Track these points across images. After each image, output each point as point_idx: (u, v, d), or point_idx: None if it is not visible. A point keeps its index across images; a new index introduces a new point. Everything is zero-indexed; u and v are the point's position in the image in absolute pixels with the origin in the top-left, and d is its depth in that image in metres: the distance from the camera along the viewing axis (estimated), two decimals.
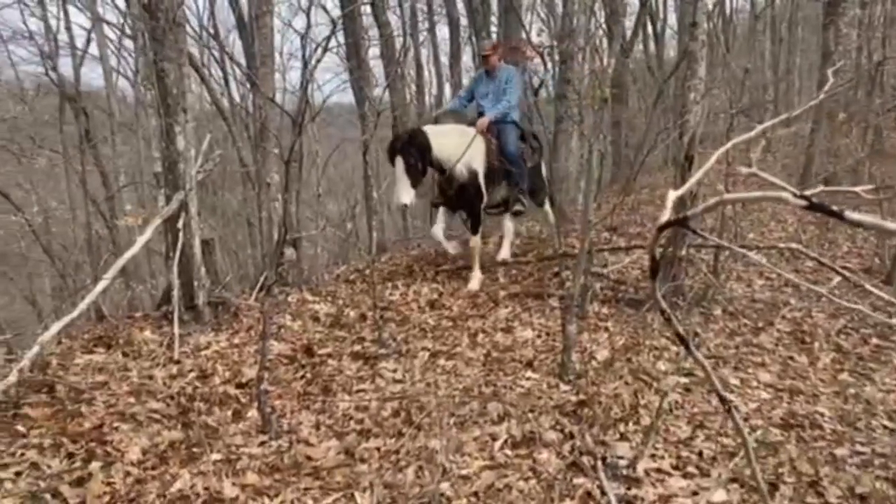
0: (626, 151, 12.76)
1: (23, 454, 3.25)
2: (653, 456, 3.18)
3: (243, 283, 7.76)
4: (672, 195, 1.54)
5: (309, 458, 3.17)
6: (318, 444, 3.31)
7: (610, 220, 7.34)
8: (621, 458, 3.14)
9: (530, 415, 3.50)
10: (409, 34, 13.70)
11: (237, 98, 15.59)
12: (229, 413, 3.71)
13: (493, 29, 13.18)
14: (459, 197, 6.15)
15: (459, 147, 5.98)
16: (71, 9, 14.20)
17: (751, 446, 2.09)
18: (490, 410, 3.58)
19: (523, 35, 10.82)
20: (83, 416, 3.55)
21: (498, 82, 6.55)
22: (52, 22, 13.94)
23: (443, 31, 16.52)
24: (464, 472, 3.05)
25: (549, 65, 11.76)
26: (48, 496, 2.87)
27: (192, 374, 4.19)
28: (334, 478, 3.02)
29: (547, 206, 7.24)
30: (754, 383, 4.16)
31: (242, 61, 12.78)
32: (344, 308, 5.63)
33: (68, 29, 13.87)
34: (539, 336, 4.82)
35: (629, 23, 14.97)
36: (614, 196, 9.72)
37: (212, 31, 14.77)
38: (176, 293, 4.84)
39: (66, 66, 13.49)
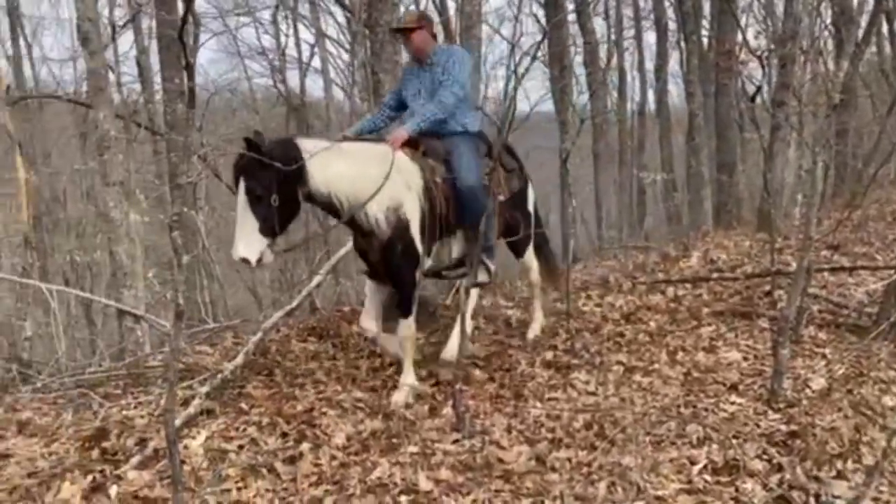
0: (852, 163, 11.62)
1: (244, 430, 3.60)
2: (876, 499, 2.87)
3: (439, 284, 8.02)
4: None
5: (500, 460, 3.21)
6: (510, 448, 3.34)
7: (832, 236, 6.73)
8: (838, 497, 2.87)
9: (734, 441, 3.29)
10: (614, 41, 13.49)
11: None
12: (426, 408, 3.85)
13: (705, 32, 12.63)
14: (383, 260, 3.99)
15: (368, 179, 3.77)
16: (299, 26, 15.53)
17: None
18: (689, 432, 3.41)
19: (739, 38, 10.24)
20: (297, 400, 3.86)
21: (433, 73, 4.26)
22: (282, 39, 15.33)
23: (649, 36, 16.00)
24: (659, 492, 2.93)
25: (767, 69, 11.01)
26: (265, 470, 3.15)
27: (392, 368, 4.40)
28: (524, 483, 3.03)
29: (529, 257, 4.98)
30: None
31: None
32: None
33: (297, 45, 15.17)
34: (746, 358, 4.51)
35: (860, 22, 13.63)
36: (837, 211, 8.88)
37: None
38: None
39: (292, 78, 14.82)
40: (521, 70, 4.12)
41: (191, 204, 9.63)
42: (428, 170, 4.08)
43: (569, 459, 3.22)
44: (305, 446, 3.34)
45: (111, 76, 10.13)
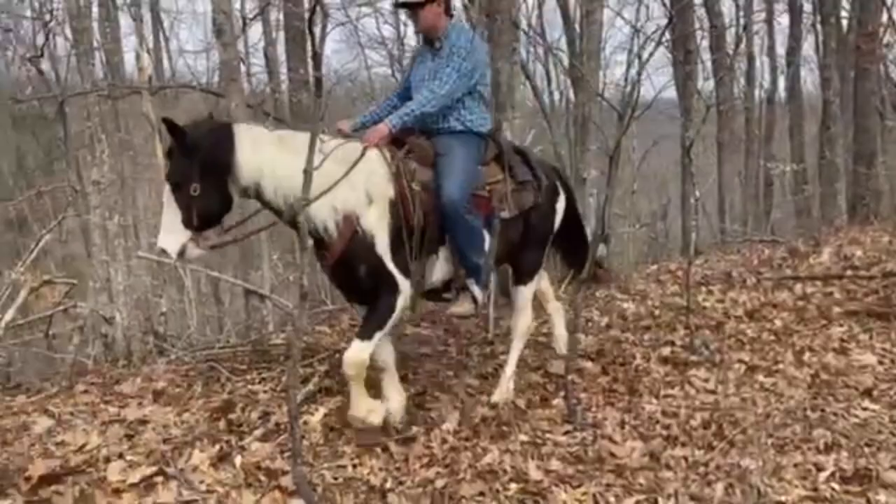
0: None
1: None
2: None
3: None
4: None
5: (612, 454, 3.16)
6: (623, 443, 3.28)
7: None
8: None
9: (866, 449, 3.10)
10: (743, 24, 12.86)
11: (557, 95, 16.01)
12: (537, 398, 3.84)
13: (844, 14, 11.81)
14: (347, 279, 3.40)
15: (314, 178, 2.86)
16: None
17: None
18: (816, 437, 3.25)
19: (884, 18, 9.52)
20: (408, 383, 3.93)
21: (439, 58, 3.61)
22: (401, 28, 15.61)
23: (781, 19, 15.10)
24: (781, 498, 2.80)
25: None
26: (378, 449, 3.24)
27: (503, 357, 4.40)
28: (637, 479, 2.97)
29: (525, 292, 4.01)
30: None
31: (565, 59, 13.07)
32: (654, 309, 5.49)
33: (416, 34, 15.37)
34: (881, 362, 4.23)
35: None
36: None
37: (538, 30, 15.28)
38: (493, 280, 5.12)
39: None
40: (644, 55, 3.97)
41: None
42: (406, 174, 3.38)
43: (684, 458, 3.13)
44: (417, 429, 3.42)
45: (241, 67, 10.63)
